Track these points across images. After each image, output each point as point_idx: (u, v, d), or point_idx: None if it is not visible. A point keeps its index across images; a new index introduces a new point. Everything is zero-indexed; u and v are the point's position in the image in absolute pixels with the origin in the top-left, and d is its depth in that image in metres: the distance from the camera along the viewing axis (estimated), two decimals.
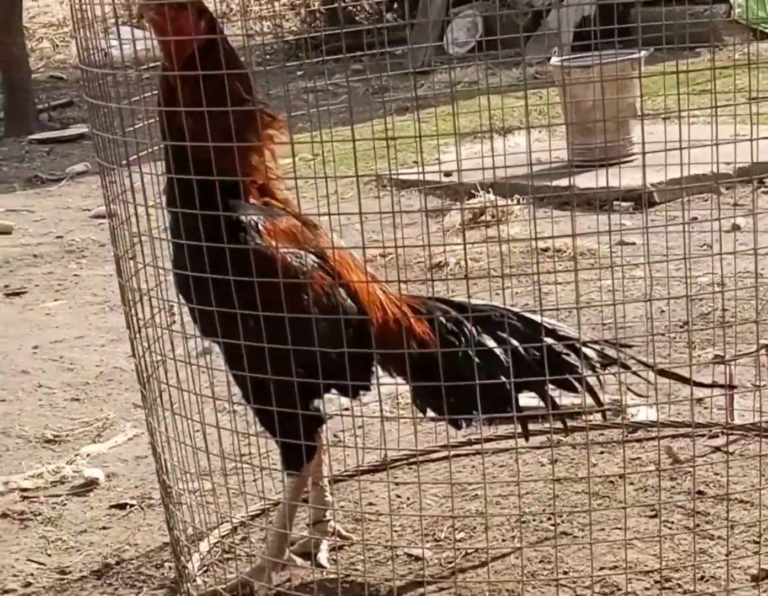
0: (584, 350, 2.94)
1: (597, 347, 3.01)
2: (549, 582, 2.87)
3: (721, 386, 3.44)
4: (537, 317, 2.96)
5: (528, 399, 3.67)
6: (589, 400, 3.04)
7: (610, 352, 3.00)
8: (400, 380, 2.94)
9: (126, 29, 3.05)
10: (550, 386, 2.92)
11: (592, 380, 3.00)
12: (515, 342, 2.90)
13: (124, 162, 2.82)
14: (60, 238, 7.17)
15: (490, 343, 2.93)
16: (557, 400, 2.98)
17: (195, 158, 2.65)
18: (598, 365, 2.98)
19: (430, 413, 3.00)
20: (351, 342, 2.72)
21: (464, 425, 2.99)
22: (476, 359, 2.84)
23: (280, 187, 2.91)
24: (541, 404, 2.95)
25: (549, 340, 2.88)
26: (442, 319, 2.95)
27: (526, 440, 3.13)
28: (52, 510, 3.60)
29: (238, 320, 2.64)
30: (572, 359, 2.92)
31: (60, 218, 7.74)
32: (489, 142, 6.25)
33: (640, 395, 3.12)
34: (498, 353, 2.90)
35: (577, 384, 2.95)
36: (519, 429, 3.05)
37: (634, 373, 2.96)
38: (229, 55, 2.72)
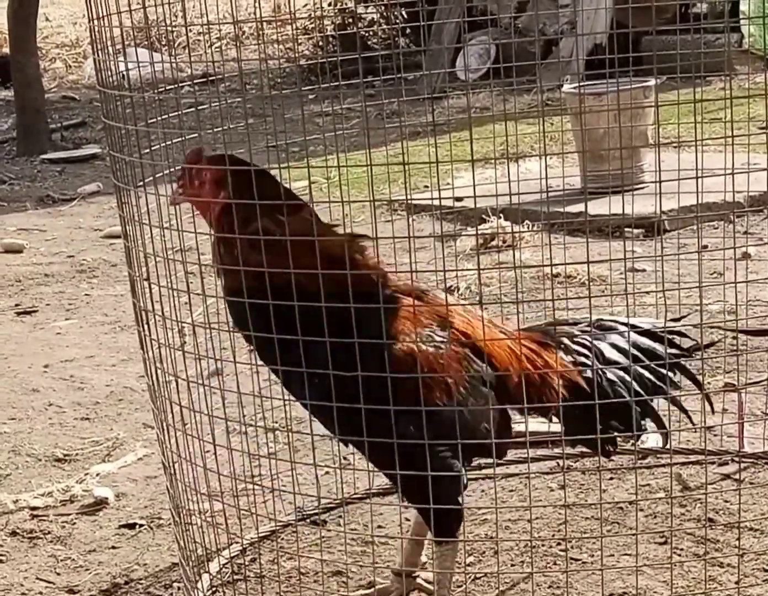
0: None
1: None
2: None
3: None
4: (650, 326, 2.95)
5: (538, 425, 3.68)
6: None
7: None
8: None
9: (143, 51, 3.07)
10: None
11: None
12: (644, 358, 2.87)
13: (140, 183, 2.83)
14: (71, 257, 7.19)
15: (621, 359, 2.87)
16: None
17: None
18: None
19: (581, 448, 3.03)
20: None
21: (612, 449, 2.91)
22: (616, 381, 2.83)
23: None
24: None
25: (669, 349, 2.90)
26: (569, 343, 2.90)
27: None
28: (61, 529, 3.61)
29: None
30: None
31: (71, 237, 7.77)
32: (501, 167, 6.27)
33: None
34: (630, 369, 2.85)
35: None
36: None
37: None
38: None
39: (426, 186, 7.16)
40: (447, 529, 2.73)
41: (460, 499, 2.72)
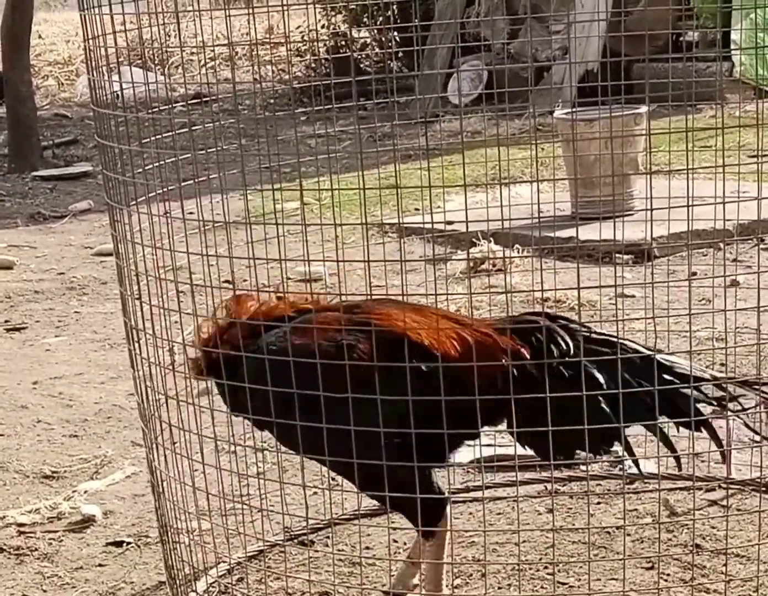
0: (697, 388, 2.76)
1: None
2: None
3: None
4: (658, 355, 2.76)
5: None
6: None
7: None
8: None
9: (137, 70, 3.08)
10: (663, 418, 2.70)
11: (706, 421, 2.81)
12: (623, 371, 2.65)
13: (133, 202, 2.84)
14: (61, 275, 7.19)
15: (595, 370, 2.69)
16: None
17: None
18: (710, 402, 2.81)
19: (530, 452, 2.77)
20: (447, 392, 2.52)
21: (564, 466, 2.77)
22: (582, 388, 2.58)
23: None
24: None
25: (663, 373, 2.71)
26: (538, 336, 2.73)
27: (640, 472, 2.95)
28: (48, 546, 3.60)
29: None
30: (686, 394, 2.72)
31: (62, 254, 7.77)
32: (492, 192, 6.27)
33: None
34: (601, 380, 2.67)
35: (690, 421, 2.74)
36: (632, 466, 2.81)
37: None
38: None
39: (417, 209, 7.18)
40: (427, 524, 2.74)
41: (431, 488, 2.71)
